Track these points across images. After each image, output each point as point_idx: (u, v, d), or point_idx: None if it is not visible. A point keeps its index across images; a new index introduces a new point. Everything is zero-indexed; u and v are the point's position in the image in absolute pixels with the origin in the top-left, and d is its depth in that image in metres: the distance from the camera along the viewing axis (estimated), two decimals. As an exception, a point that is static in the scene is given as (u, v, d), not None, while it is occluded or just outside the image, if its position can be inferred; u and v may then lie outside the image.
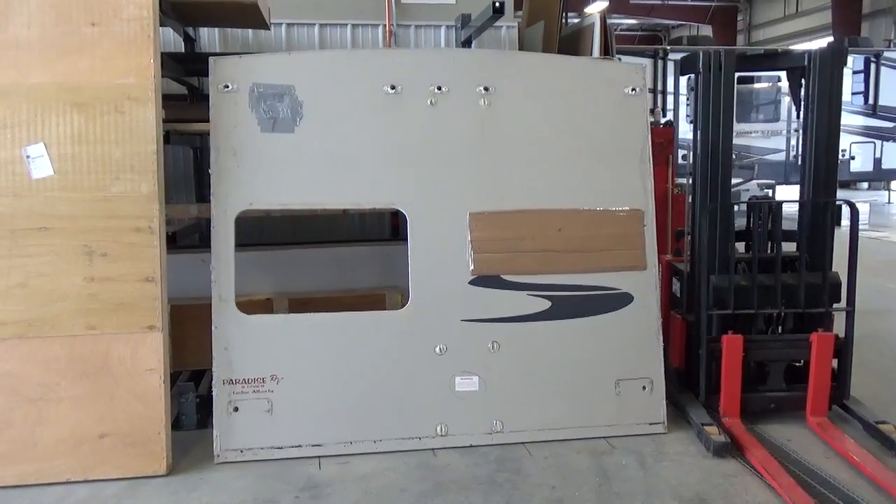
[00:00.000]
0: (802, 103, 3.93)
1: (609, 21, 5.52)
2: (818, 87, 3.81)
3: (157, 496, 3.12)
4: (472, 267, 3.59)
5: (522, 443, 3.55)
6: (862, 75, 15.19)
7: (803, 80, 3.91)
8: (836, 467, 3.30)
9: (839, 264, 3.86)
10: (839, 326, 3.83)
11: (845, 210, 3.94)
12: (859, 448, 3.41)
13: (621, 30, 29.10)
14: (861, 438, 3.57)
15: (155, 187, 3.26)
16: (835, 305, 3.85)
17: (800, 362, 3.90)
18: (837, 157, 3.86)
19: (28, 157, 3.21)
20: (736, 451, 3.43)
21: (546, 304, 3.64)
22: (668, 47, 15.19)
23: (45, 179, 3.22)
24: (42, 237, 3.21)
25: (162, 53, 3.41)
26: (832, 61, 3.80)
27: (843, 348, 3.79)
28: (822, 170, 3.85)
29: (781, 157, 15.13)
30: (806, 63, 3.87)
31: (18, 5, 3.20)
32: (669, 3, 25.10)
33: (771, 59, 4.11)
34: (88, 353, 3.23)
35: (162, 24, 3.60)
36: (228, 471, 3.32)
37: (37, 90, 3.21)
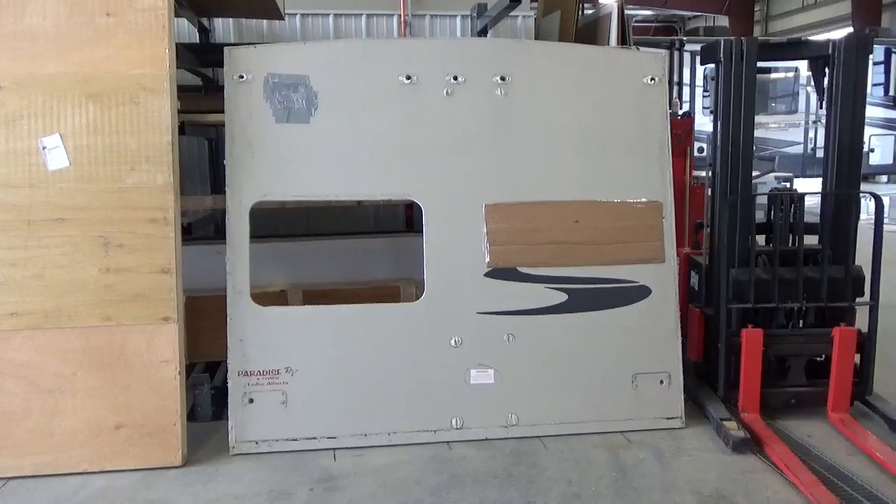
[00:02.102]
0: (826, 93, 3.85)
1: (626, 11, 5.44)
2: (843, 76, 3.73)
3: (172, 487, 3.12)
4: (487, 259, 3.56)
5: (538, 436, 3.53)
6: (882, 66, 14.97)
7: (827, 70, 3.83)
8: (860, 464, 3.24)
9: (858, 258, 3.78)
10: (861, 321, 3.76)
11: (863, 203, 3.87)
12: (883, 445, 3.35)
13: (636, 21, 28.79)
14: (884, 435, 3.51)
15: (170, 178, 3.26)
16: (858, 300, 3.78)
17: (821, 357, 3.85)
18: (861, 147, 3.78)
19: (44, 148, 3.21)
20: (755, 446, 3.38)
21: (563, 297, 3.61)
22: (685, 38, 15.02)
23: (61, 171, 3.22)
24: (58, 228, 3.21)
25: (177, 44, 3.40)
26: (857, 49, 3.72)
27: (865, 343, 3.72)
28: (845, 161, 3.77)
29: (798, 149, 14.94)
30: (830, 52, 3.78)
31: (34, -5, 3.19)
32: (685, -7, 24.82)
33: (794, 48, 4.02)
34: (104, 343, 3.24)
35: (176, 15, 3.59)
36: (243, 462, 3.32)
37: (52, 81, 3.21)
